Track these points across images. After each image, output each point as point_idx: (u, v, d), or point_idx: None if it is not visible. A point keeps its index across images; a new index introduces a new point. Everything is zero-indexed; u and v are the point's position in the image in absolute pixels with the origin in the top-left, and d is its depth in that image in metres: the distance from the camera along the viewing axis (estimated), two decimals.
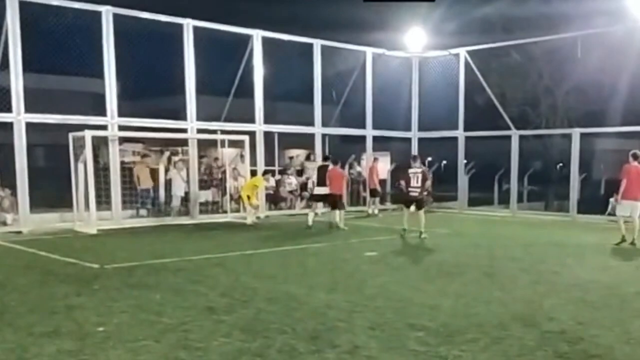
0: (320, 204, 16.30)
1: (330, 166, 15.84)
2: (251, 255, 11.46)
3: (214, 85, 19.06)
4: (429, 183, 15.29)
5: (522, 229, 16.57)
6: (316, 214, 16.11)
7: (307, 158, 21.94)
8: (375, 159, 20.82)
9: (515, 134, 20.46)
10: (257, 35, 18.68)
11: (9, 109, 14.65)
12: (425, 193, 17.09)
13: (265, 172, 18.48)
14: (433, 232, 13.94)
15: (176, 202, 17.82)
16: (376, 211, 19.92)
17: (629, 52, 18.92)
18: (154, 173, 17.99)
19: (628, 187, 12.45)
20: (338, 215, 15.61)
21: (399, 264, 10.53)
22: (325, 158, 16.58)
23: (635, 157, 12.55)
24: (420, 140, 22.79)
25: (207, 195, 18.55)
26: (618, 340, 6.00)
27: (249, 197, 16.69)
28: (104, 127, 16.08)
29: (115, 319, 6.70)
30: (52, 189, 16.66)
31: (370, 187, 20.21)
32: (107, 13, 15.84)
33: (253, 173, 18.38)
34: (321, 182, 15.68)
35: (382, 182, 21.00)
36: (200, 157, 18.92)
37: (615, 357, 5.53)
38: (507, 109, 21.73)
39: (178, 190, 17.75)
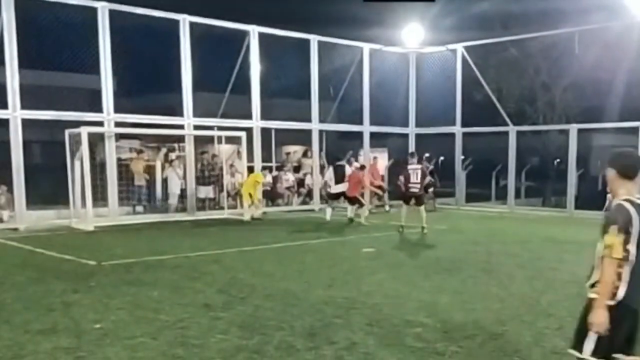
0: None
1: (348, 169, 17.01)
2: (249, 252, 11.46)
3: (211, 82, 19.03)
4: (428, 179, 15.48)
5: (519, 224, 16.60)
6: (333, 209, 16.74)
7: (305, 155, 21.92)
8: (375, 158, 20.58)
9: (512, 129, 20.47)
10: (254, 31, 18.64)
11: (4, 106, 14.62)
12: (430, 189, 17.47)
13: (263, 168, 18.58)
14: (430, 228, 13.95)
15: (173, 200, 17.81)
16: (387, 207, 19.31)
17: (627, 48, 18.92)
18: (150, 169, 17.97)
19: None
20: (359, 211, 16.16)
21: (396, 261, 10.53)
22: (337, 159, 17.08)
23: None
24: (418, 136, 22.78)
25: (207, 191, 18.53)
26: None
27: (250, 195, 16.58)
28: (100, 124, 16.06)
29: (112, 316, 6.69)
30: (48, 186, 16.63)
31: (377, 184, 19.49)
32: (103, 9, 15.78)
33: (250, 169, 18.37)
34: (338, 180, 16.68)
35: (381, 178, 20.88)
36: (201, 153, 18.93)
37: None
38: (505, 104, 21.73)
39: (175, 188, 17.74)
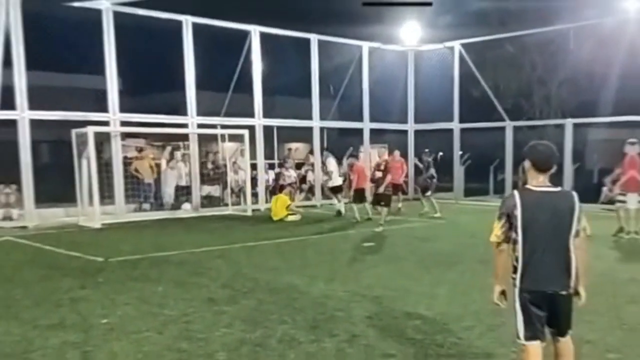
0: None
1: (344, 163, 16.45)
2: (252, 247, 11.46)
3: (214, 81, 19.02)
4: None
5: None
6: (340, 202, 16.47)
7: (311, 152, 21.88)
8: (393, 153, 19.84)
9: (509, 125, 20.43)
10: (255, 31, 18.60)
11: (13, 107, 14.61)
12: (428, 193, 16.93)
13: (281, 188, 17.76)
14: (429, 222, 13.94)
15: (167, 198, 17.75)
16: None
17: (620, 43, 18.87)
18: (155, 167, 17.95)
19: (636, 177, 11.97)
20: (359, 206, 15.55)
21: (395, 254, 10.52)
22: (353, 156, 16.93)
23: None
24: (417, 132, 22.76)
25: (213, 190, 18.51)
26: (611, 325, 6.01)
27: (288, 213, 16.04)
28: (106, 123, 16.05)
29: (119, 311, 6.70)
30: (56, 185, 16.63)
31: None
32: (107, 10, 15.75)
33: (253, 166, 18.37)
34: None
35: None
36: (207, 153, 18.91)
37: (609, 342, 5.53)
38: (502, 100, 21.67)
39: (168, 187, 17.67)
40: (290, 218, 15.72)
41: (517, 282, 3.93)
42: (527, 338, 3.95)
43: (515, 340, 4.08)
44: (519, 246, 3.90)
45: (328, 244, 11.92)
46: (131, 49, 16.50)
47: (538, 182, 3.95)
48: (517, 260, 3.93)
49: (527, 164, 4.03)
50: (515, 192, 3.94)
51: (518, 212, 3.86)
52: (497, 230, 3.96)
